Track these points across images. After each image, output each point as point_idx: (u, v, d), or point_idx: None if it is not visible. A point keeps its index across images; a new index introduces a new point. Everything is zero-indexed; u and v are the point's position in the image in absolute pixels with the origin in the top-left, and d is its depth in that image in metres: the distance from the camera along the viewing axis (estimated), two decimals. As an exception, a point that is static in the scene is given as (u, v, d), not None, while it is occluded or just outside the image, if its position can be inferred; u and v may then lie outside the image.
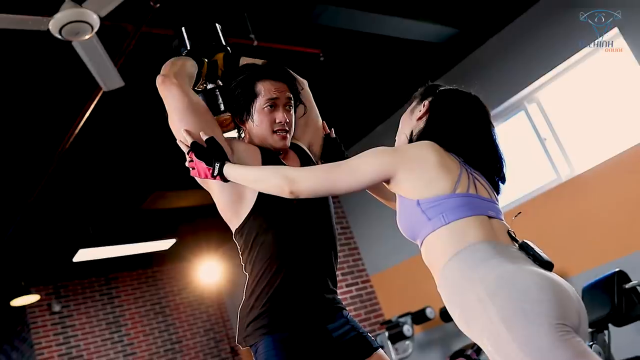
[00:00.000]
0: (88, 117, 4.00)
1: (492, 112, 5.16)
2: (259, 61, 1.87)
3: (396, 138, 1.70)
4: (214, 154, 1.62)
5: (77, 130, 4.11)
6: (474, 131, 1.56)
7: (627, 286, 3.33)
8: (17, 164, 4.56)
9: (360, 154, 1.53)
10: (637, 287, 3.34)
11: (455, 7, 4.71)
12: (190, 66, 1.79)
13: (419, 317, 5.41)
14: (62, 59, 3.45)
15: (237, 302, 8.43)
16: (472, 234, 1.36)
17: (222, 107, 1.82)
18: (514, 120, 5.27)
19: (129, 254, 7.06)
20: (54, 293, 7.51)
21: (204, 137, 1.65)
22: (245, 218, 1.68)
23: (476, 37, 5.11)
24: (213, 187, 1.71)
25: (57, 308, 7.40)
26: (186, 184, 5.89)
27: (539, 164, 5.07)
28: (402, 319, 5.46)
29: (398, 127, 1.72)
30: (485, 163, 1.55)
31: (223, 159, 1.62)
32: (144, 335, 7.95)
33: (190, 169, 1.68)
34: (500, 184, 1.59)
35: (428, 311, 5.38)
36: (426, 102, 1.62)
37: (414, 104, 1.68)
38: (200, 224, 7.44)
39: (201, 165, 1.63)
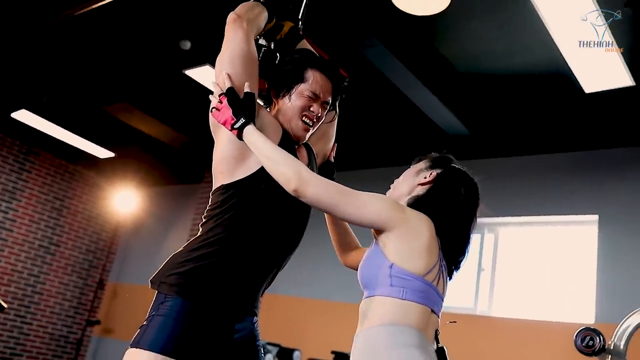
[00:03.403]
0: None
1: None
2: (314, 51, 1.87)
3: (391, 187, 1.70)
4: (245, 108, 1.60)
5: (96, 5, 3.98)
6: (463, 223, 1.59)
7: None
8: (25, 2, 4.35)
9: (370, 193, 1.53)
10: None
11: (480, 115, 4.83)
12: (263, 19, 1.77)
13: (285, 353, 5.37)
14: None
15: (132, 245, 8.26)
16: (412, 318, 1.42)
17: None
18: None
19: (64, 140, 6.80)
20: (-28, 133, 7.16)
21: (246, 90, 1.63)
22: (238, 181, 1.63)
23: (481, 148, 5.25)
24: (222, 137, 1.66)
25: (-34, 148, 7.06)
26: (159, 113, 5.82)
27: (465, 287, 5.17)
28: (269, 346, 5.40)
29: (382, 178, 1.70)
30: (455, 254, 1.58)
31: (251, 118, 1.60)
32: (30, 220, 7.62)
33: (212, 109, 1.64)
34: (454, 271, 1.62)
35: (296, 354, 5.34)
36: (434, 173, 1.63)
37: (422, 165, 1.68)
38: (144, 156, 7.27)
39: (227, 112, 1.59)
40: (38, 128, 6.51)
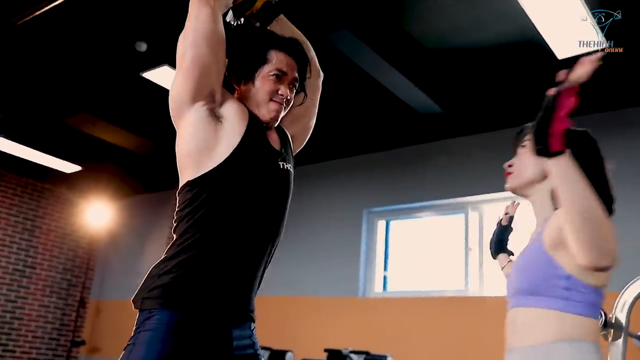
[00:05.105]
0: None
1: (438, 202, 5.24)
2: (283, 32, 1.75)
3: (511, 171, 1.55)
4: None
5: (39, 12, 3.75)
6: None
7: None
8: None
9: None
10: None
11: (452, 91, 4.71)
12: None
13: (277, 356, 5.21)
14: None
15: (110, 259, 8.01)
16: (594, 333, 1.31)
17: None
18: (453, 218, 5.27)
19: (27, 158, 6.53)
20: None
21: None
22: (205, 174, 1.48)
23: (455, 125, 5.12)
24: (186, 128, 1.52)
25: None
26: (121, 121, 5.59)
27: (455, 269, 5.06)
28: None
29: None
30: None
31: None
32: (1, 245, 7.33)
33: None
34: None
35: (288, 356, 5.19)
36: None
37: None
38: (111, 166, 7.04)
39: None
40: (-2, 148, 6.24)
